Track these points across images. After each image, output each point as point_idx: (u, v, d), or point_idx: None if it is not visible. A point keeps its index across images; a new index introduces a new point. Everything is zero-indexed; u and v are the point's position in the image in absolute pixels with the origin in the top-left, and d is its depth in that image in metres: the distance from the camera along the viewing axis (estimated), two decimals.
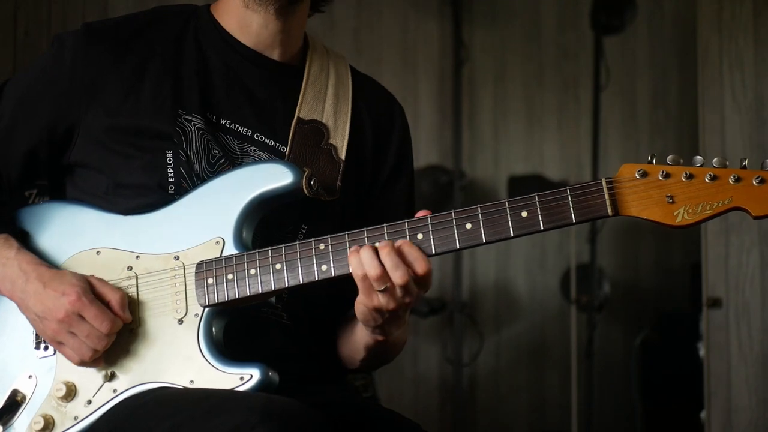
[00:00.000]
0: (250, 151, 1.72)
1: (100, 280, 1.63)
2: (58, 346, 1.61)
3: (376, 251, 1.47)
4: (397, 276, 1.46)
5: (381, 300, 1.49)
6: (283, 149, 1.73)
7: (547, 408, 4.99)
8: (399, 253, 1.47)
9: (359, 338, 1.68)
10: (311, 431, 1.40)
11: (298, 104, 1.76)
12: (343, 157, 1.75)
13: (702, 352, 3.81)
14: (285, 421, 1.37)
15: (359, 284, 1.50)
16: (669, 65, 5.10)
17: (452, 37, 5.03)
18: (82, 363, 1.61)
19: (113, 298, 1.60)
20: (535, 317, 5.04)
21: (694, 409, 3.99)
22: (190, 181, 1.67)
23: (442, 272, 4.91)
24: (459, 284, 4.89)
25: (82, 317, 1.57)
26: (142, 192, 1.67)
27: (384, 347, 1.67)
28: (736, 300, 3.60)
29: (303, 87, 1.78)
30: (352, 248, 1.50)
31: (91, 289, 1.60)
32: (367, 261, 1.47)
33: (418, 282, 1.49)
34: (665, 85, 5.11)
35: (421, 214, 1.53)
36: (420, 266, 1.48)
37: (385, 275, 1.46)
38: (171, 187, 1.66)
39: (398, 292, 1.48)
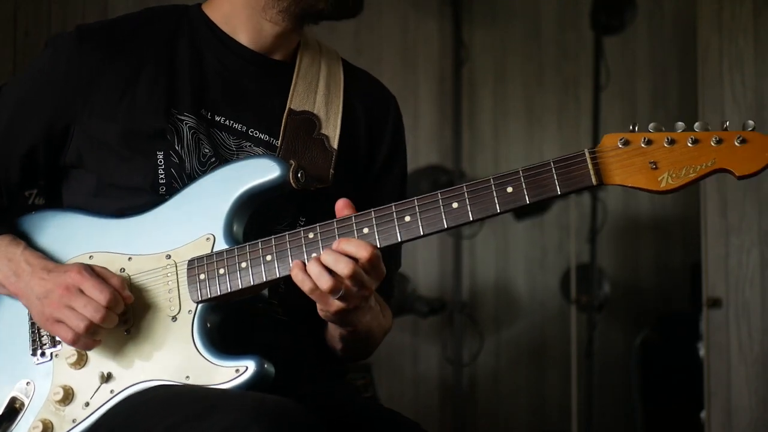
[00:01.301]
0: (246, 146, 1.73)
1: (102, 267, 1.64)
2: (56, 325, 1.60)
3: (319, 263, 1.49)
4: (342, 267, 1.48)
5: (339, 304, 1.52)
6: (277, 142, 1.74)
7: (547, 408, 4.99)
8: (339, 251, 1.49)
9: (332, 330, 1.70)
10: (304, 430, 1.40)
11: (290, 96, 1.77)
12: (335, 146, 1.76)
13: (702, 352, 3.80)
14: (278, 420, 1.37)
15: (311, 297, 1.52)
16: (669, 65, 5.09)
17: (452, 37, 5.02)
18: (77, 339, 1.59)
19: (115, 279, 1.61)
20: (535, 317, 5.04)
21: (694, 409, 3.99)
22: (180, 181, 1.68)
23: (442, 272, 4.91)
24: (459, 284, 4.88)
25: (81, 291, 1.58)
26: (134, 193, 1.68)
27: (358, 336, 1.68)
28: (736, 300, 3.59)
29: (294, 79, 1.79)
30: (295, 263, 1.51)
31: (92, 269, 1.61)
32: (316, 274, 1.49)
33: (368, 270, 1.50)
34: (665, 85, 5.10)
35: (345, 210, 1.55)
36: (364, 252, 1.48)
37: (338, 284, 1.48)
38: (162, 188, 1.67)
39: (351, 286, 1.49)
